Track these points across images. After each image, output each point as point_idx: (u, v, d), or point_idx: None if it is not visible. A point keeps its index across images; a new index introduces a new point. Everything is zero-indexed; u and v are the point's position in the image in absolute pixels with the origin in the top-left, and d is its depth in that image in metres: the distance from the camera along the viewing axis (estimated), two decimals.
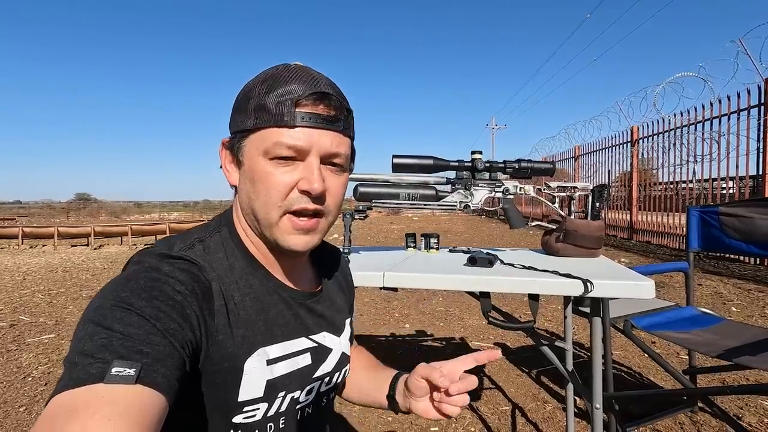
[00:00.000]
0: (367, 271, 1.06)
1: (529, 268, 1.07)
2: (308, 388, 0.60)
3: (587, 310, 1.49)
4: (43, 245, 9.18)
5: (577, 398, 1.78)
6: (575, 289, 0.93)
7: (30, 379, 2.26)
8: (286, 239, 0.53)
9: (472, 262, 1.12)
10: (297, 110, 0.49)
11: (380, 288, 1.05)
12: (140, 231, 9.58)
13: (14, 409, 1.93)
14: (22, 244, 9.07)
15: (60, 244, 9.05)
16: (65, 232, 9.29)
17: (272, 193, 0.51)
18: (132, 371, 0.36)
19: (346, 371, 0.69)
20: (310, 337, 0.61)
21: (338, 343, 0.66)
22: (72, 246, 9.06)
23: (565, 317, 1.46)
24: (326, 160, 0.52)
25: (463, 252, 1.41)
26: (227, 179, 0.57)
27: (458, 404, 0.58)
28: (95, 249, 8.50)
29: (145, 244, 8.69)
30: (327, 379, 0.64)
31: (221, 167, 0.57)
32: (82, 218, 21.92)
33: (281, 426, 0.56)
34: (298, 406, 0.59)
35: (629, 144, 7.71)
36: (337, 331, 0.67)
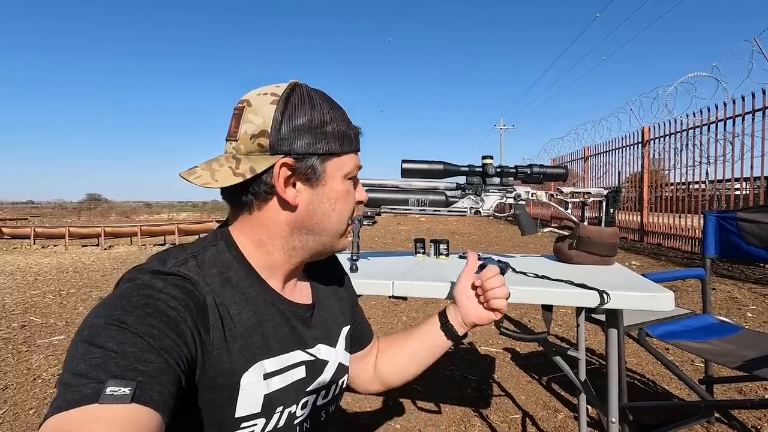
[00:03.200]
0: (375, 279, 1.04)
1: (543, 277, 1.04)
2: (303, 401, 0.59)
3: (600, 317, 1.45)
4: (55, 245, 9.30)
5: (589, 407, 1.75)
6: (591, 300, 0.90)
7: (40, 381, 2.28)
8: (343, 243, 0.63)
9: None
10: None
11: (389, 297, 1.03)
12: (149, 231, 9.66)
13: (23, 411, 1.94)
14: (34, 244, 9.20)
15: (71, 244, 9.15)
16: (76, 232, 9.40)
17: (349, 207, 0.61)
18: (127, 390, 0.36)
19: (343, 383, 0.68)
20: (306, 350, 0.60)
21: (334, 355, 0.65)
22: (83, 246, 9.17)
23: (578, 325, 1.42)
24: None
25: None
26: (286, 198, 0.54)
27: (499, 296, 0.73)
28: (105, 249, 8.59)
29: (154, 244, 8.74)
30: (323, 393, 0.63)
31: (279, 186, 0.54)
32: (93, 218, 22.20)
33: None
34: (295, 421, 0.58)
35: (640, 145, 7.60)
36: (333, 343, 0.66)
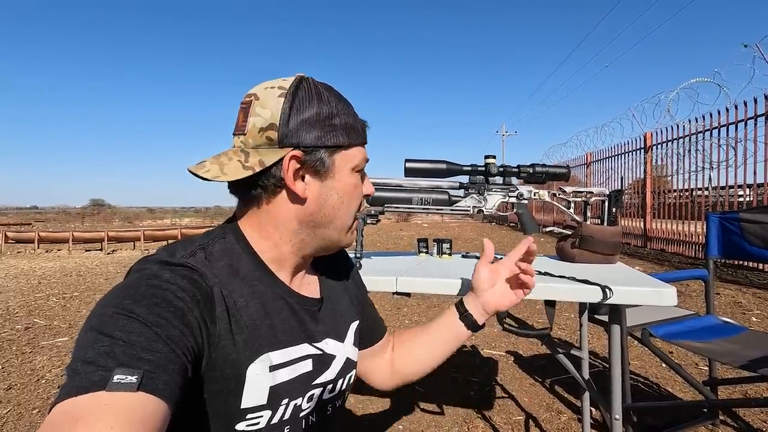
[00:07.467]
0: (379, 276, 1.05)
1: (545, 273, 1.05)
2: (309, 394, 0.59)
3: (603, 318, 1.45)
4: (58, 250, 9.34)
5: (593, 409, 1.74)
6: (593, 295, 0.91)
7: (43, 381, 2.29)
8: (350, 238, 0.62)
9: None
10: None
11: (393, 293, 1.04)
12: (152, 236, 9.70)
13: (27, 411, 1.95)
14: (38, 248, 9.24)
15: (74, 248, 9.19)
16: (80, 236, 9.46)
17: (357, 202, 0.61)
18: (134, 378, 0.36)
19: (350, 378, 0.68)
20: (313, 343, 0.60)
21: (342, 350, 0.65)
22: (86, 251, 9.20)
23: (581, 325, 1.43)
24: None
25: (477, 257, 1.39)
26: (296, 191, 0.54)
27: (532, 272, 0.76)
28: (108, 254, 8.61)
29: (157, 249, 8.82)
30: (330, 387, 0.63)
31: (288, 179, 0.54)
32: (97, 223, 22.29)
33: None
34: (301, 414, 0.58)
35: (642, 150, 7.61)
36: (341, 338, 0.66)
